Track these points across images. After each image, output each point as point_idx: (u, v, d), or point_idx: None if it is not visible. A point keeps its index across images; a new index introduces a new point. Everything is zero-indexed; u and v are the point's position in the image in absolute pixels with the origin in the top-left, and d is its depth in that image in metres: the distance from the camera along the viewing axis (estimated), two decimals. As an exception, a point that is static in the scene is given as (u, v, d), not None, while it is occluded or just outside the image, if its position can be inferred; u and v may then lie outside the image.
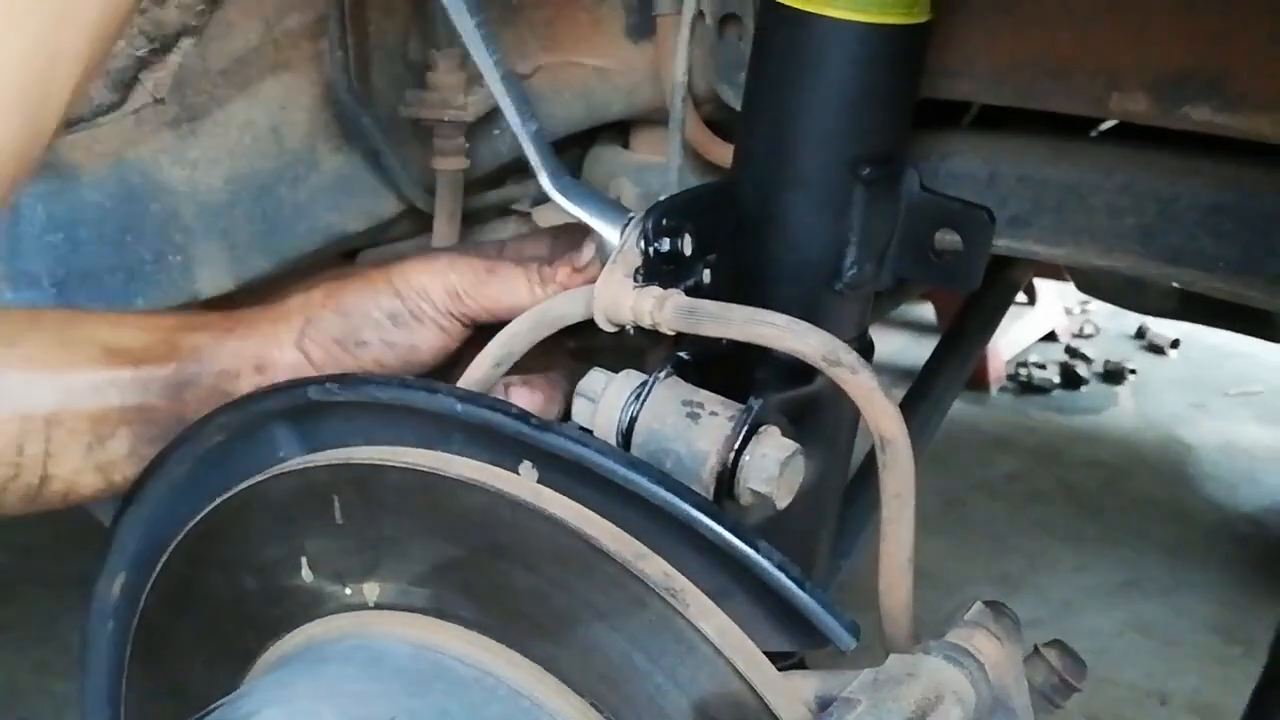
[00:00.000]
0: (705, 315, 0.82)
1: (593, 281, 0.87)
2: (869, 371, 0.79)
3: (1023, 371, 4.10)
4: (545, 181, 0.93)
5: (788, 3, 0.88)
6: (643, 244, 0.85)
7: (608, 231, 0.90)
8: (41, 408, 0.87)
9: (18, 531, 2.78)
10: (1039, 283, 4.04)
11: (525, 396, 0.87)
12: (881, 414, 0.79)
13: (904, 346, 3.83)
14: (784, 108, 0.91)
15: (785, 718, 0.70)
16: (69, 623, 2.49)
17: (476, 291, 0.90)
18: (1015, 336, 4.12)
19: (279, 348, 0.92)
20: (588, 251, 0.90)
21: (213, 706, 0.79)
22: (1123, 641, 2.79)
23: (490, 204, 1.30)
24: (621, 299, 0.83)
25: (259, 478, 0.83)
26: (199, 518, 0.86)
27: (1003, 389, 4.04)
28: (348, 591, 0.81)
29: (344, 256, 1.34)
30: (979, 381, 3.87)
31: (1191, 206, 1.03)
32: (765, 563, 0.71)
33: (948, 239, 0.95)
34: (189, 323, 0.94)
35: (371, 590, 0.80)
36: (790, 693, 0.71)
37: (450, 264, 0.91)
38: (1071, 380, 4.11)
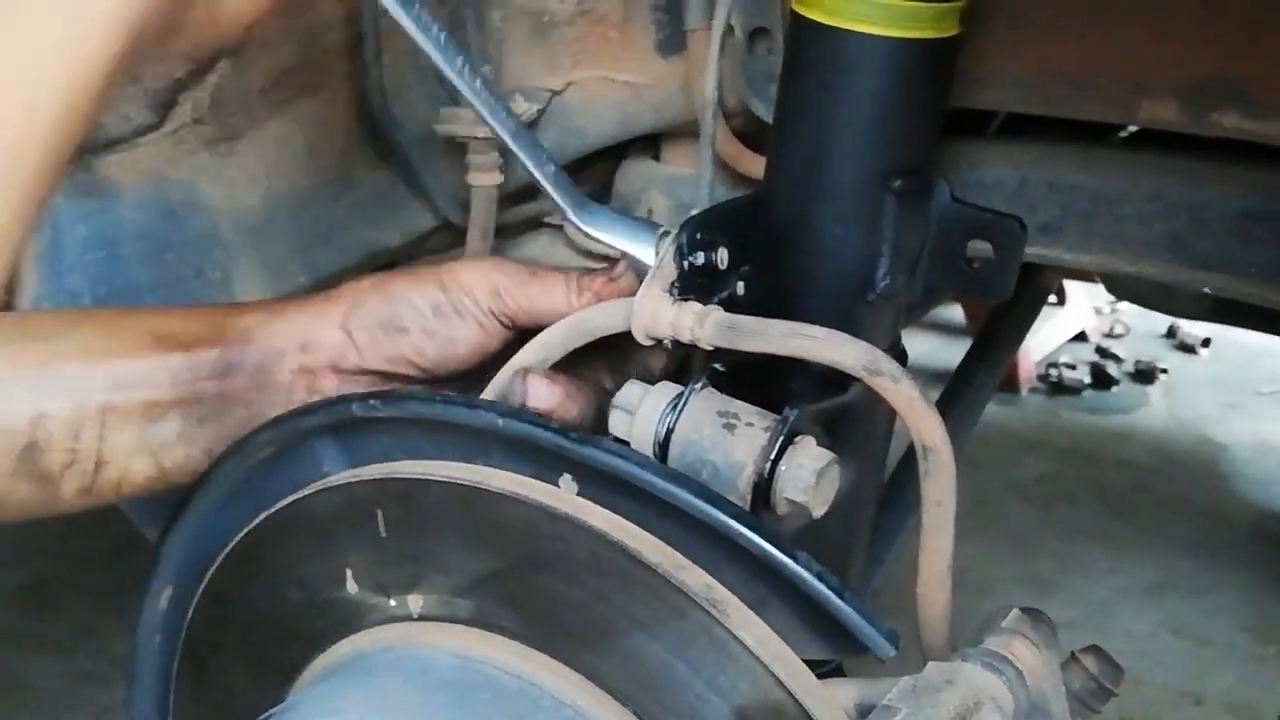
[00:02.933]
0: (746, 330, 0.83)
1: (627, 293, 0.88)
2: (910, 380, 0.80)
3: (1053, 372, 4.08)
4: (571, 217, 0.94)
5: (817, 19, 0.88)
6: (678, 258, 0.86)
7: (639, 251, 0.91)
8: (96, 395, 0.88)
9: (59, 542, 2.81)
10: (1068, 283, 4.02)
11: (543, 387, 0.86)
12: (923, 422, 0.80)
13: (934, 349, 3.82)
14: (815, 121, 0.92)
15: (826, 725, 0.71)
16: (109, 632, 2.52)
17: (517, 291, 0.91)
18: (1045, 337, 4.10)
19: (325, 328, 0.93)
20: (622, 266, 0.92)
21: (261, 718, 0.80)
22: (1156, 642, 2.78)
23: (523, 218, 1.31)
24: (661, 314, 0.84)
25: (304, 492, 0.85)
26: (245, 532, 0.87)
27: (1033, 390, 4.02)
28: (392, 603, 0.82)
29: (378, 271, 1.36)
30: (1009, 383, 3.86)
31: (1221, 213, 1.03)
32: (804, 572, 0.72)
33: (979, 248, 0.95)
34: (238, 308, 0.96)
35: (415, 602, 0.81)
36: (830, 700, 0.72)
37: (496, 265, 0.94)
38: (1102, 380, 4.09)
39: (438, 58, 0.91)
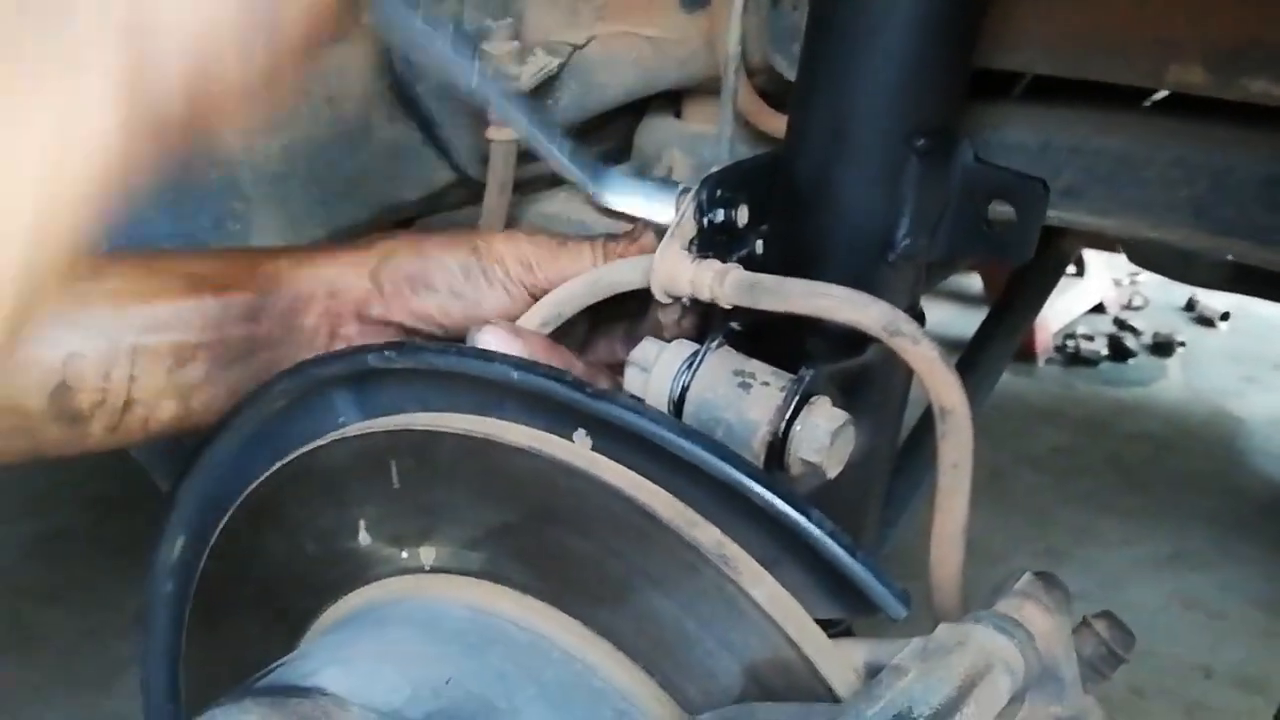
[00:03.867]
0: (765, 289, 0.83)
1: (648, 250, 0.88)
2: (930, 341, 0.80)
3: (1070, 343, 4.08)
4: (591, 190, 0.94)
5: (843, -27, 0.88)
6: (698, 215, 0.85)
7: (659, 213, 0.91)
8: (126, 336, 0.88)
9: (70, 493, 2.83)
10: (1088, 254, 4.01)
11: (497, 339, 0.86)
12: (943, 383, 0.80)
13: (951, 317, 3.82)
14: (838, 79, 0.91)
15: (835, 684, 0.70)
16: (122, 586, 2.54)
17: (548, 264, 0.93)
18: (1063, 308, 4.09)
19: (354, 276, 0.94)
20: (642, 226, 0.92)
21: (272, 666, 0.80)
22: (1168, 615, 2.78)
23: (542, 173, 1.31)
24: (680, 271, 0.84)
25: (318, 443, 0.85)
26: (259, 481, 0.88)
27: (1050, 360, 4.02)
28: (404, 555, 0.82)
29: (397, 225, 1.36)
30: (1026, 353, 3.86)
31: (1245, 179, 1.02)
32: (817, 531, 0.72)
33: (1001, 210, 0.94)
34: (269, 252, 0.96)
35: (428, 554, 0.81)
36: (840, 659, 0.72)
37: (529, 237, 0.95)
38: (1119, 352, 4.08)
39: (448, 61, 0.90)
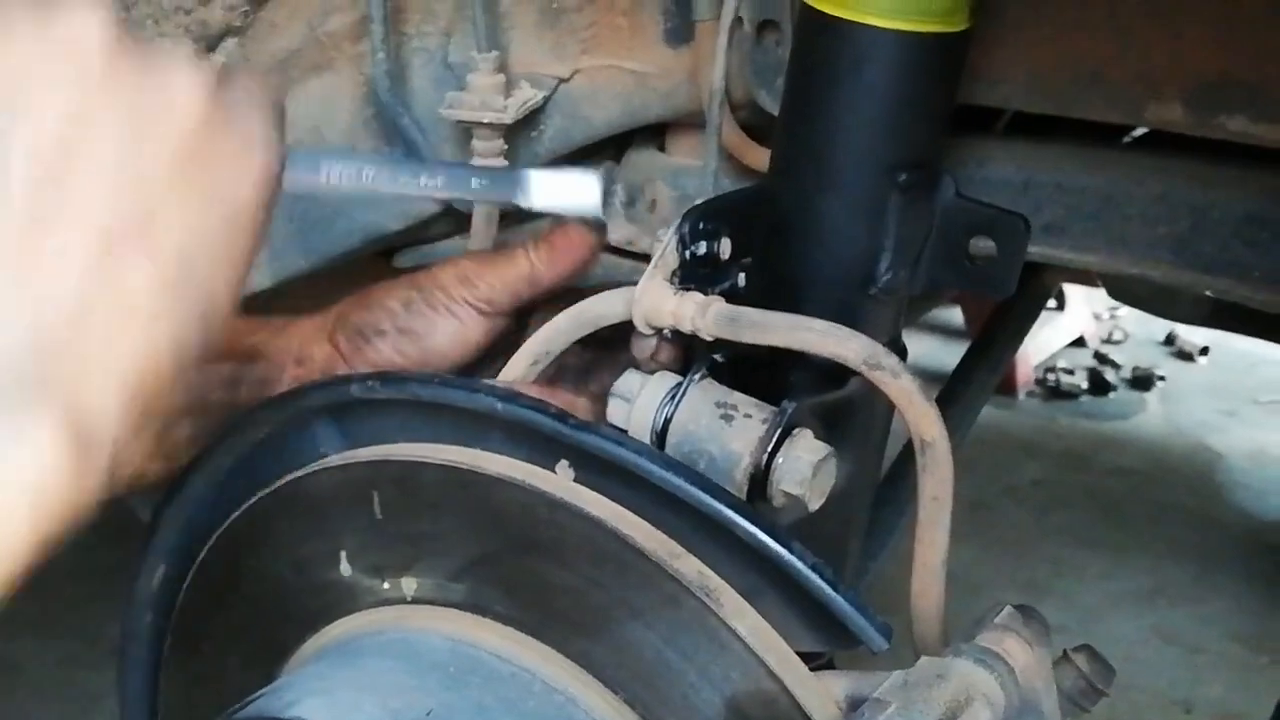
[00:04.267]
0: (748, 322, 0.83)
1: (581, 239, 0.91)
2: (910, 375, 0.80)
3: (1050, 377, 4.09)
4: (518, 200, 0.93)
5: (827, 10, 0.88)
6: (680, 247, 0.86)
7: (585, 199, 0.91)
8: None
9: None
10: (1068, 288, 4.03)
11: None
12: (923, 417, 0.80)
13: (932, 350, 3.82)
14: (821, 114, 0.92)
15: (817, 717, 0.71)
16: (96, 615, 2.52)
17: (485, 273, 0.94)
18: (1043, 341, 4.10)
19: (316, 343, 0.97)
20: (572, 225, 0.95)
21: (251, 697, 0.80)
22: (1148, 649, 2.78)
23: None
24: (663, 303, 0.84)
25: (300, 473, 0.85)
26: (239, 511, 0.87)
27: (1030, 394, 4.03)
28: (386, 586, 0.82)
29: (381, 255, 1.36)
30: (1006, 386, 3.86)
31: (1225, 216, 1.03)
32: (799, 563, 0.72)
33: (982, 245, 0.95)
34: (249, 325, 0.98)
35: (409, 585, 0.81)
36: (822, 692, 0.72)
37: (467, 255, 0.98)
38: (1100, 386, 4.10)
39: (374, 184, 0.90)
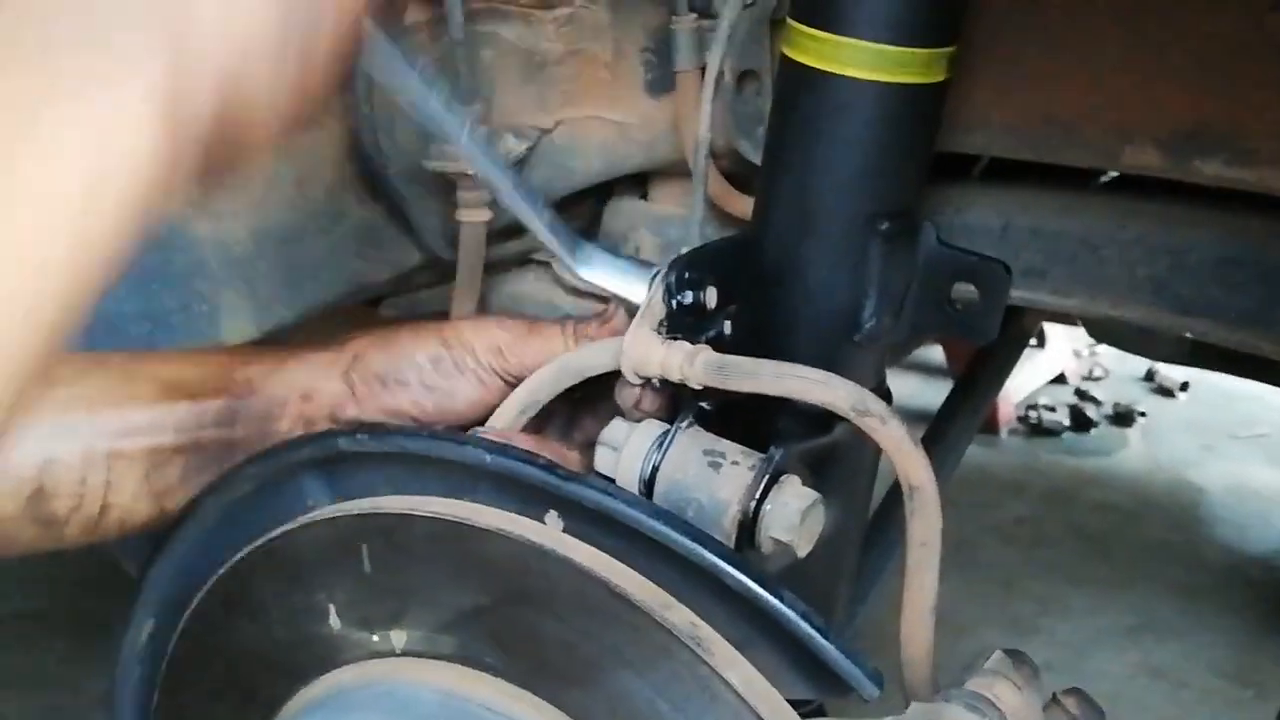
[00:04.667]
0: (735, 371, 0.83)
1: (621, 334, 0.89)
2: (897, 421, 0.80)
3: (1032, 414, 4.09)
4: (568, 263, 0.94)
5: (807, 63, 0.89)
6: (666, 297, 0.86)
7: (633, 291, 0.91)
8: (103, 442, 0.88)
9: (31, 576, 2.79)
10: (1048, 326, 4.04)
11: None
12: (911, 462, 0.80)
13: (915, 390, 3.83)
14: (803, 163, 0.92)
15: (810, 765, 0.71)
16: (82, 668, 2.50)
17: (518, 348, 0.92)
18: (1024, 379, 4.11)
19: (327, 379, 0.94)
20: (614, 307, 0.93)
21: (241, 753, 0.80)
22: (1135, 685, 2.78)
23: (511, 254, 1.31)
24: (650, 353, 0.84)
25: (288, 526, 0.84)
26: (228, 565, 0.87)
27: (1012, 431, 4.04)
28: (375, 639, 0.82)
29: (367, 304, 1.36)
30: (989, 425, 3.87)
31: (1202, 258, 1.04)
32: (790, 612, 0.72)
33: (964, 291, 0.96)
34: (244, 356, 0.96)
35: (399, 637, 0.81)
36: (814, 741, 0.72)
37: (498, 322, 0.95)
38: (1081, 423, 4.10)
39: (439, 116, 0.91)
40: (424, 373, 0.93)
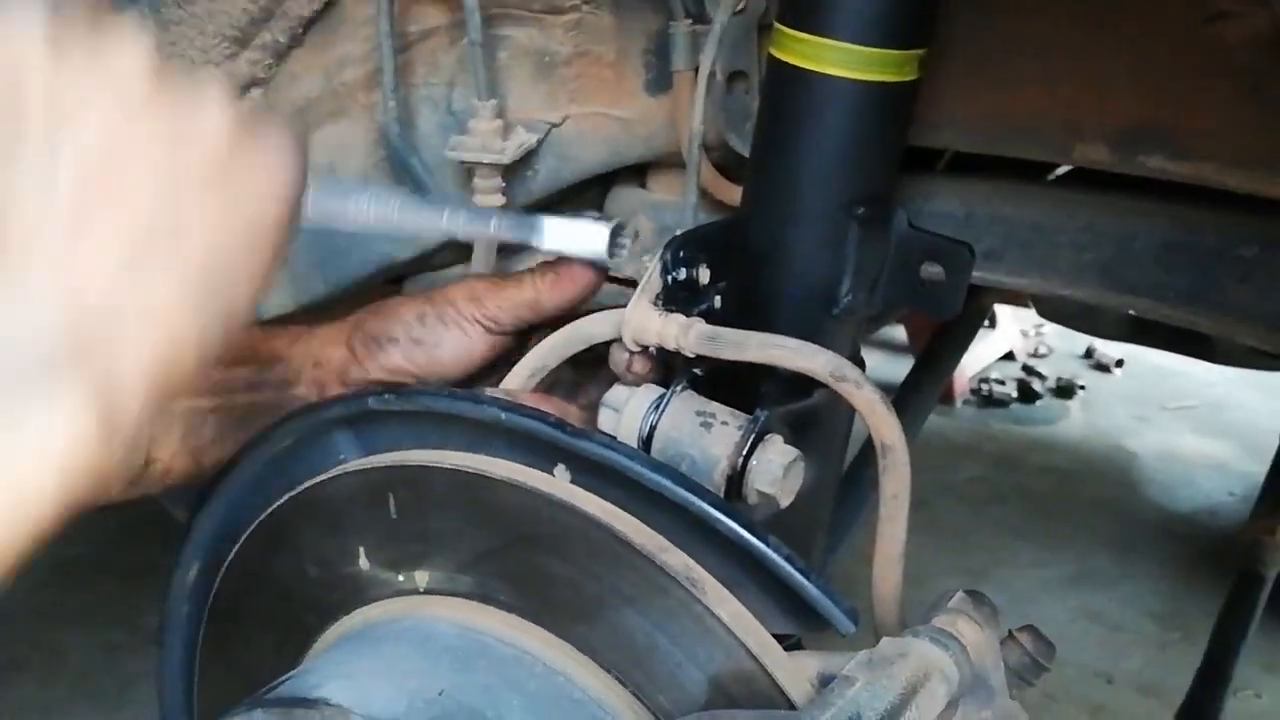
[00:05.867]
0: (726, 341, 0.83)
1: (582, 271, 0.91)
2: (872, 386, 0.80)
3: (984, 387, 4.10)
4: (532, 241, 0.91)
5: (792, 63, 0.88)
6: (664, 273, 0.86)
7: (594, 244, 0.90)
8: None
9: (89, 524, 2.78)
10: (999, 307, 4.04)
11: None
12: (883, 423, 0.80)
13: (879, 364, 3.83)
14: (787, 154, 0.92)
15: (791, 692, 0.70)
16: (137, 607, 2.50)
17: (494, 293, 0.93)
18: (977, 356, 4.11)
19: (333, 347, 0.96)
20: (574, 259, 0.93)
21: (280, 680, 0.79)
22: (1074, 628, 2.79)
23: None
24: (649, 324, 0.84)
25: (322, 477, 0.84)
26: (268, 512, 0.87)
27: (966, 402, 4.05)
28: (400, 578, 0.81)
29: (392, 281, 1.35)
30: (946, 396, 3.88)
31: (1145, 243, 1.03)
32: (775, 555, 0.72)
33: (932, 270, 0.95)
34: (270, 333, 0.97)
35: (422, 577, 0.80)
36: (796, 671, 0.71)
37: (476, 277, 0.96)
38: (1027, 395, 4.11)
39: (411, 212, 0.87)
40: (411, 328, 0.94)
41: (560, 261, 0.93)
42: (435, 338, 0.93)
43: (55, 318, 0.53)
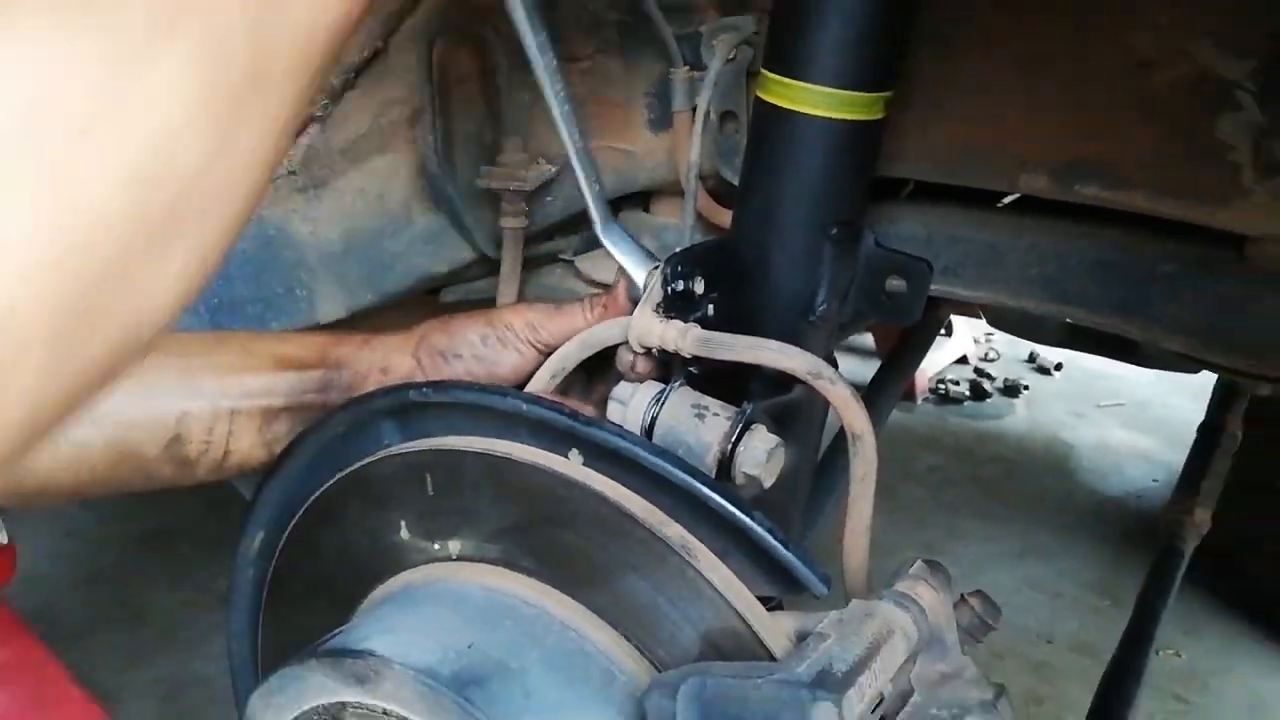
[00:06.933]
0: (718, 343, 0.83)
1: (627, 304, 0.88)
2: (844, 383, 0.80)
3: (941, 387, 4.09)
4: (599, 228, 0.92)
5: (776, 104, 0.88)
6: (664, 285, 0.85)
7: (636, 273, 0.90)
8: (227, 401, 0.88)
9: (166, 500, 2.79)
10: (954, 318, 4.04)
11: None
12: (854, 415, 0.80)
13: (850, 367, 3.82)
14: (771, 183, 0.92)
15: (773, 647, 0.70)
16: (210, 572, 2.50)
17: (548, 323, 0.92)
18: (936, 360, 4.11)
19: (400, 356, 0.94)
20: (619, 285, 0.92)
21: (331, 634, 0.79)
22: (1018, 596, 2.78)
23: (543, 253, 1.31)
24: (652, 328, 0.84)
25: (369, 459, 0.84)
26: (322, 489, 0.87)
27: (926, 400, 4.03)
28: (436, 547, 0.81)
29: (430, 293, 1.35)
30: (908, 394, 3.86)
31: (1082, 261, 1.03)
32: (759, 528, 0.71)
33: (896, 284, 0.95)
34: (337, 340, 0.96)
35: (454, 546, 0.80)
36: (776, 628, 0.71)
37: (530, 306, 0.95)
38: (979, 394, 4.10)
39: (548, 83, 0.88)
40: (475, 347, 0.93)
41: (608, 294, 0.92)
42: (496, 356, 0.92)
43: None
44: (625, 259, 0.91)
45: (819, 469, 1.26)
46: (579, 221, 1.25)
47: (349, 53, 1.15)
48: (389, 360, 0.94)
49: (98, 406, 0.45)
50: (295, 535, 0.90)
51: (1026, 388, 4.19)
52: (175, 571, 2.59)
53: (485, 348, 0.93)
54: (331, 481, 0.86)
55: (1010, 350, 4.50)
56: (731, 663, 0.69)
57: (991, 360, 4.48)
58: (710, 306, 0.91)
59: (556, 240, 1.30)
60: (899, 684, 0.68)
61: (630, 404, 0.84)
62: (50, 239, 0.36)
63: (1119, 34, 0.91)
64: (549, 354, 0.92)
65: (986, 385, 4.14)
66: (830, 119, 0.87)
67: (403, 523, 0.82)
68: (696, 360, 0.85)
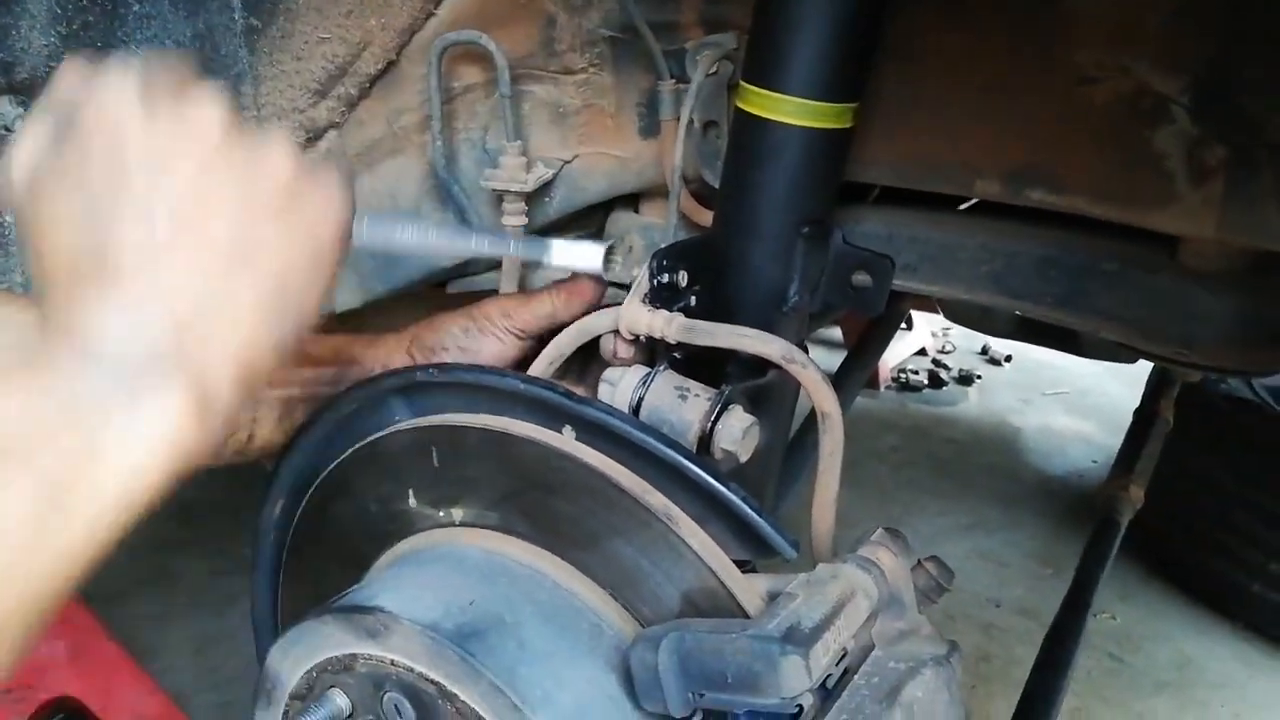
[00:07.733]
0: (700, 331, 0.83)
1: (589, 289, 0.90)
2: (815, 366, 0.80)
3: (902, 375, 4.10)
4: (543, 259, 0.89)
5: (754, 113, 0.88)
6: (651, 278, 0.85)
7: (592, 262, 0.88)
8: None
9: (199, 476, 2.78)
10: (915, 313, 4.04)
11: None
12: (824, 397, 0.80)
13: (819, 357, 3.81)
14: (749, 185, 0.91)
15: (746, 605, 0.70)
16: (237, 539, 2.49)
17: (521, 309, 0.93)
18: (897, 351, 4.12)
19: (397, 353, 0.96)
20: (582, 278, 0.93)
21: (345, 593, 0.79)
22: (969, 564, 2.80)
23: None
24: (640, 317, 0.84)
25: (380, 434, 0.84)
26: (337, 461, 0.86)
27: (888, 387, 4.04)
28: (440, 514, 0.81)
29: (438, 285, 1.34)
30: (872, 382, 3.87)
31: (1029, 258, 1.03)
32: (734, 498, 0.71)
33: (861, 278, 0.95)
34: (349, 340, 0.97)
35: (457, 513, 0.80)
36: (750, 588, 0.71)
37: (505, 296, 0.96)
38: (936, 382, 4.11)
39: (449, 238, 0.85)
40: (458, 339, 0.94)
41: (571, 279, 0.93)
42: (477, 345, 0.93)
43: (157, 325, 0.53)
44: (576, 263, 0.90)
45: (791, 446, 1.26)
46: (575, 220, 1.24)
47: (367, 64, 1.14)
48: (389, 358, 0.95)
49: None
50: (312, 503, 0.90)
51: (979, 377, 4.21)
52: (204, 541, 2.58)
53: (467, 339, 0.94)
54: (346, 454, 0.85)
55: (965, 343, 4.52)
56: (709, 619, 0.69)
57: (948, 352, 4.49)
58: (693, 297, 0.91)
59: (552, 236, 1.30)
60: (861, 639, 0.68)
61: (619, 385, 0.84)
62: None
63: (1064, 53, 0.91)
64: (525, 339, 0.93)
65: (943, 374, 4.15)
66: (803, 127, 0.87)
67: (410, 491, 0.82)
68: (680, 346, 0.85)
